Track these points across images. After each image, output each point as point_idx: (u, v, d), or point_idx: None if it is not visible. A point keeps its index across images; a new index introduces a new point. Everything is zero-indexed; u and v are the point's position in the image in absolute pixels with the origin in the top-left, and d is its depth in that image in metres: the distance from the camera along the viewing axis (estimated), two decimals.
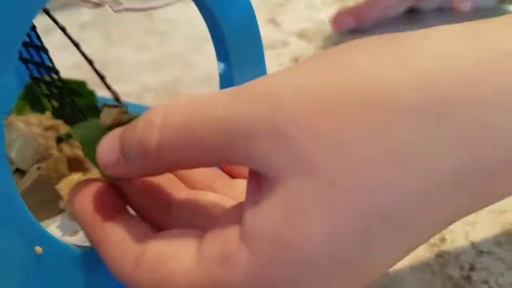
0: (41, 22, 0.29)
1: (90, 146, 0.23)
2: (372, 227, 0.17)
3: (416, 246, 0.19)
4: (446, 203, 0.18)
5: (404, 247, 0.19)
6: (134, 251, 0.20)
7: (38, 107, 0.37)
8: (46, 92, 0.34)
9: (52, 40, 0.32)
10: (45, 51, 0.30)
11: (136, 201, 0.24)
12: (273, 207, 0.18)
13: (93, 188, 0.23)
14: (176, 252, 0.20)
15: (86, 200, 0.22)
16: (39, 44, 0.31)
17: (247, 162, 0.18)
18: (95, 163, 0.22)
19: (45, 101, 0.35)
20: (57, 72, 0.31)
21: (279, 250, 0.17)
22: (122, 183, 0.23)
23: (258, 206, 0.18)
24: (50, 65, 0.31)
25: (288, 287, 0.18)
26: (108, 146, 0.21)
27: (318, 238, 0.17)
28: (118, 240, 0.21)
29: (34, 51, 0.32)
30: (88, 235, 0.22)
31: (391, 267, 0.20)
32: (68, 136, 0.31)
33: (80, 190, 0.23)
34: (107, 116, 0.24)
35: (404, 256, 0.19)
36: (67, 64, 0.33)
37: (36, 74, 0.33)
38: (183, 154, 0.19)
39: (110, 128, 0.23)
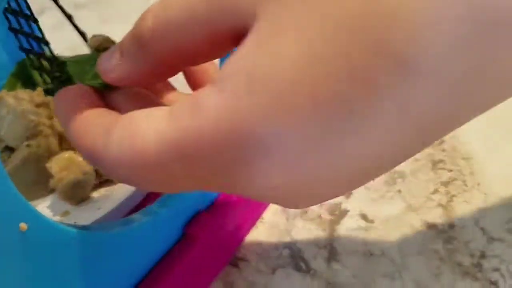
0: (34, 2, 0.28)
1: (78, 65, 0.25)
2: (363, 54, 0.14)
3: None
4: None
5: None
6: (107, 120, 0.20)
7: (30, 85, 0.36)
8: (37, 65, 0.32)
9: (45, 21, 0.31)
10: (35, 21, 0.28)
11: (119, 108, 0.23)
12: (247, 42, 0.16)
13: (77, 88, 0.23)
14: (148, 113, 0.18)
15: (68, 93, 0.22)
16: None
17: (232, 18, 0.17)
18: (82, 80, 0.24)
19: (36, 75, 0.33)
20: (47, 43, 0.29)
21: (248, 82, 0.15)
22: (109, 91, 0.23)
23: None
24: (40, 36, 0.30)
25: (258, 123, 0.15)
26: (108, 54, 0.22)
27: (291, 61, 0.15)
28: (94, 116, 0.21)
29: (25, 23, 0.31)
30: (65, 121, 0.22)
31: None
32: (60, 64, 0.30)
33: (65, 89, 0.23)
34: (94, 41, 0.27)
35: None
36: (61, 46, 0.32)
37: (26, 46, 0.31)
38: (175, 35, 0.19)
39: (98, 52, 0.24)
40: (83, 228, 0.24)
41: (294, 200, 0.18)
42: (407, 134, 0.16)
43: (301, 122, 0.15)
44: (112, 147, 0.19)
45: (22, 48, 0.31)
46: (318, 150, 0.15)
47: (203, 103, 0.16)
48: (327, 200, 0.18)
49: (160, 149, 0.17)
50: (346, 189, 0.18)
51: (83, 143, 0.20)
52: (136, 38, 0.20)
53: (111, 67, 0.21)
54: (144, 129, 0.18)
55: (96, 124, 0.20)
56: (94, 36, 0.27)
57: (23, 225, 0.20)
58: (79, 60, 0.27)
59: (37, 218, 0.21)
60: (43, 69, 0.31)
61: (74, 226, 0.23)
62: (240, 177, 0.17)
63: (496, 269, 0.30)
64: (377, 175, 0.18)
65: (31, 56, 0.31)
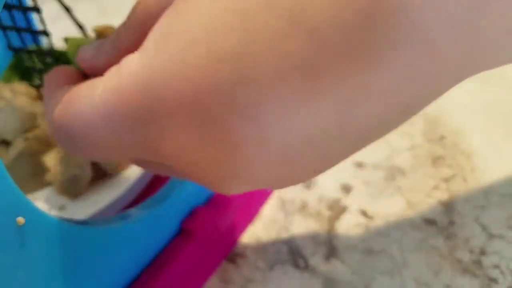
0: None
1: (75, 47, 0.27)
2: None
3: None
4: None
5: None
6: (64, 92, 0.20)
7: (28, 79, 0.36)
8: (32, 62, 0.32)
9: (43, 13, 0.30)
10: (38, 11, 0.28)
11: None
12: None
13: (64, 68, 0.23)
14: (91, 83, 0.19)
15: (55, 73, 0.23)
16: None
17: None
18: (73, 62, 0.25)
19: (33, 71, 0.33)
20: (47, 35, 0.29)
21: (158, 40, 0.16)
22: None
23: None
24: (40, 29, 0.29)
25: (163, 80, 0.16)
26: (88, 47, 0.22)
27: (196, 20, 0.15)
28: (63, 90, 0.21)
29: (20, 16, 0.30)
30: (48, 95, 0.22)
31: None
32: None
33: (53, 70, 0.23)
34: (98, 28, 0.28)
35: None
36: (58, 36, 0.32)
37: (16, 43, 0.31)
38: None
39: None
40: (80, 222, 0.23)
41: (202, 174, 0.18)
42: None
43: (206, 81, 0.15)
44: (55, 114, 0.19)
45: (11, 48, 0.31)
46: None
47: (124, 64, 0.17)
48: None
49: (94, 111, 0.18)
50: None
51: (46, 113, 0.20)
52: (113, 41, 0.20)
53: (87, 57, 0.22)
54: (82, 97, 0.18)
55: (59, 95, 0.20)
56: (97, 26, 0.28)
57: (20, 219, 0.20)
58: (80, 42, 0.28)
59: (34, 212, 0.21)
60: (34, 67, 0.31)
61: (71, 220, 0.23)
62: (152, 140, 0.17)
63: (496, 266, 0.30)
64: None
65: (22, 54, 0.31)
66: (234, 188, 0.18)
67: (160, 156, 0.17)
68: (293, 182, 0.18)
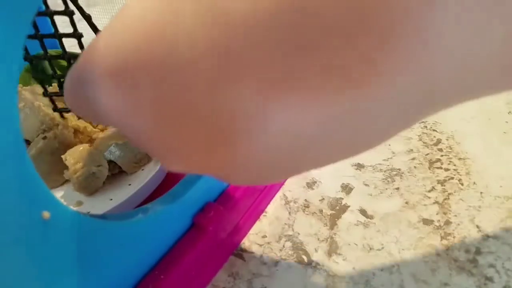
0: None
1: None
2: None
3: None
4: None
5: None
6: None
7: (43, 81, 0.37)
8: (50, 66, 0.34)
9: (57, 18, 0.31)
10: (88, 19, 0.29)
11: None
12: None
13: None
14: None
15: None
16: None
17: None
18: None
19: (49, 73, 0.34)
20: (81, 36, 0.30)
21: (110, 23, 0.16)
22: None
23: None
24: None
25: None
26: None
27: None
28: None
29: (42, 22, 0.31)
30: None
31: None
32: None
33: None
34: None
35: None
36: (72, 43, 0.33)
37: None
38: None
39: None
40: (101, 217, 0.25)
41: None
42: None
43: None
44: None
45: (27, 57, 0.32)
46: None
47: (95, 40, 0.17)
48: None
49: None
50: None
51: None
52: None
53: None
54: None
55: None
56: None
57: (46, 213, 0.21)
58: None
59: (59, 207, 0.22)
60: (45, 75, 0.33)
61: (92, 215, 0.24)
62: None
63: (492, 265, 0.31)
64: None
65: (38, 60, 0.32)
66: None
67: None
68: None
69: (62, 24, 0.33)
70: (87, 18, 0.31)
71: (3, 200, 0.18)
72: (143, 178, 0.33)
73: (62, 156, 0.31)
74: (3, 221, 0.19)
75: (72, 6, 0.31)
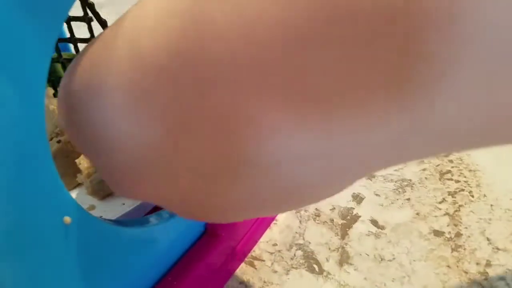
0: None
1: None
2: None
3: None
4: None
5: None
6: None
7: (57, 84, 0.37)
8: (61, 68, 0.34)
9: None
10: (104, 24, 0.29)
11: None
12: None
13: None
14: None
15: None
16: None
17: None
18: None
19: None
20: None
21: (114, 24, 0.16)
22: None
23: None
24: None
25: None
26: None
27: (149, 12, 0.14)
28: None
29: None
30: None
31: None
32: None
33: None
34: None
35: None
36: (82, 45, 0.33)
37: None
38: None
39: None
40: (117, 223, 0.25)
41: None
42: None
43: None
44: None
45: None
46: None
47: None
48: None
49: None
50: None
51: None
52: None
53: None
54: None
55: None
56: None
57: (67, 218, 0.21)
58: None
59: (80, 212, 0.22)
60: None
61: (109, 220, 0.24)
62: None
63: (502, 278, 0.31)
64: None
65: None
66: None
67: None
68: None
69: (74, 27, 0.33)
70: (103, 23, 0.31)
71: (28, 204, 0.18)
72: None
73: (76, 160, 0.31)
74: (25, 224, 0.19)
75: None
